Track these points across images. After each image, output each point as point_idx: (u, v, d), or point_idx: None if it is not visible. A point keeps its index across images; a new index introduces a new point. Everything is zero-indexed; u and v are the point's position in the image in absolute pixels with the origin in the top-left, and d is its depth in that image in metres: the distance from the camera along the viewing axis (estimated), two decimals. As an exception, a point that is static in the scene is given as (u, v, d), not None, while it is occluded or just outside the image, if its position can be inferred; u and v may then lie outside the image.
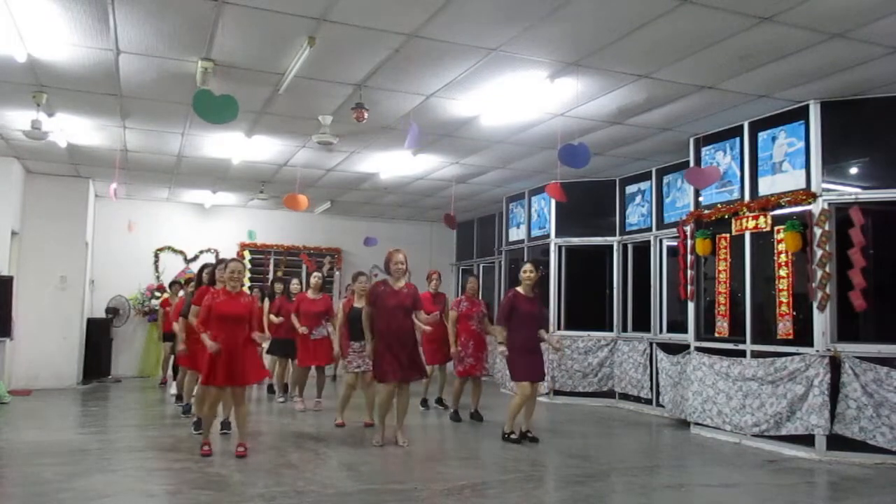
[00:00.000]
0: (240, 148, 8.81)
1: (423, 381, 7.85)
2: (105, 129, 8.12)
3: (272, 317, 9.29)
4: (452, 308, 8.16)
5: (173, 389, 9.40)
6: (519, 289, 6.92)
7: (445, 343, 8.21)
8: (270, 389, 10.06)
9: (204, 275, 7.02)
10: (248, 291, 6.29)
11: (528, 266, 6.96)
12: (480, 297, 8.53)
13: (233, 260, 6.11)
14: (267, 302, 9.74)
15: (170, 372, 10.28)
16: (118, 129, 8.10)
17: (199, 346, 6.22)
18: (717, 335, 7.38)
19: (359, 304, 7.45)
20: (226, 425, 6.95)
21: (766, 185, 6.96)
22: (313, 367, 8.70)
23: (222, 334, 5.77)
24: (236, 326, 5.83)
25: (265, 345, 9.96)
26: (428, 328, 8.24)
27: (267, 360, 10.41)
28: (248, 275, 13.40)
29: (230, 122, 5.61)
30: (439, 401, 8.85)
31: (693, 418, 7.49)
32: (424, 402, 8.88)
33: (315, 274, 8.91)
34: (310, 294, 8.69)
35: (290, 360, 9.38)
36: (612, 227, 9.99)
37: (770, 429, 6.55)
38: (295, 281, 9.64)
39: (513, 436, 6.79)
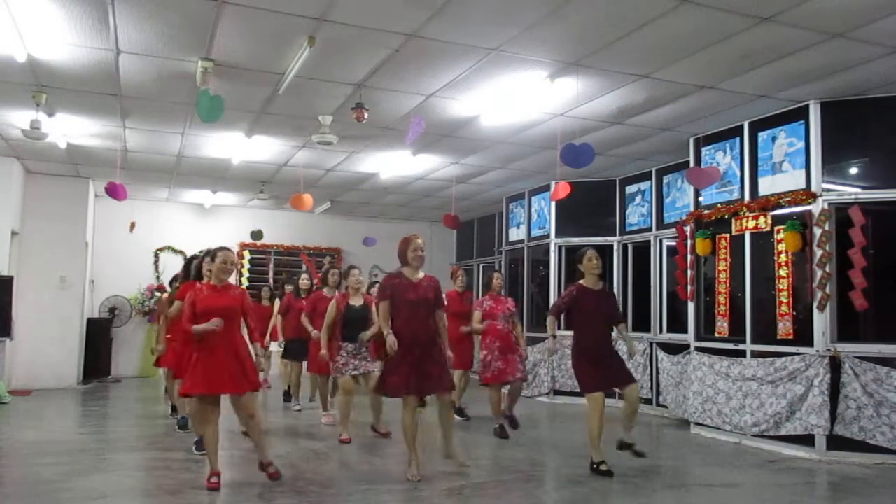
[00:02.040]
0: (240, 148, 8.81)
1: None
2: (105, 129, 8.12)
3: (279, 318, 9.03)
4: (475, 308, 7.41)
5: None
6: (582, 282, 5.75)
7: (471, 346, 7.67)
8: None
9: (192, 268, 6.37)
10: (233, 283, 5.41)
11: (592, 252, 5.77)
12: (506, 294, 7.80)
13: (222, 249, 5.19)
14: (277, 302, 9.52)
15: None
16: (118, 129, 8.10)
17: (185, 347, 5.60)
18: (717, 335, 7.38)
19: (354, 301, 6.90)
20: (246, 434, 6.09)
21: (766, 185, 6.96)
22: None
23: (209, 334, 4.86)
24: (225, 324, 4.90)
25: (276, 349, 9.60)
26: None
27: (276, 365, 10.32)
28: (246, 274, 13.46)
29: (216, 121, 5.64)
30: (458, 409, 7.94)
31: (693, 418, 7.49)
32: (460, 412, 7.88)
33: (332, 271, 7.90)
34: (326, 292, 7.68)
35: (304, 364, 8.49)
36: (612, 227, 10.00)
37: (770, 429, 6.55)
38: (304, 276, 9.24)
39: (602, 466, 5.48)
